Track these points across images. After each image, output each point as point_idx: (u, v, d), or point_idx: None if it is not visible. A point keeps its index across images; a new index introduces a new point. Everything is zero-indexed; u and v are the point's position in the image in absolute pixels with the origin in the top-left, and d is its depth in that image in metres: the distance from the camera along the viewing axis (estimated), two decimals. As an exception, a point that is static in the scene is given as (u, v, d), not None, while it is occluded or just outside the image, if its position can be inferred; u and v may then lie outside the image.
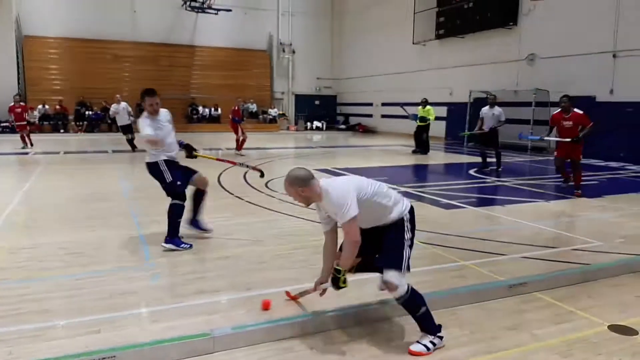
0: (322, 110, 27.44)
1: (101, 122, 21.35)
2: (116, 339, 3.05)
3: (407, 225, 3.11)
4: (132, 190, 8.23)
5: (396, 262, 2.98)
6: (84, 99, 21.67)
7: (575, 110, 8.07)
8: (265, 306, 3.49)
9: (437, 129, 18.47)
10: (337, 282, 3.06)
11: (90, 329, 3.21)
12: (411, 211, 3.19)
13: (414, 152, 15.12)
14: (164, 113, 5.26)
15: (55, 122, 20.75)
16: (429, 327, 3.05)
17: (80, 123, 21.13)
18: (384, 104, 24.22)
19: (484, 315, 3.57)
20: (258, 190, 8.20)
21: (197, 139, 17.49)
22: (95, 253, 4.79)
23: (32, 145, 14.40)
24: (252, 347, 3.06)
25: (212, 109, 24.41)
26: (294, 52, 26.85)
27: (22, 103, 14.54)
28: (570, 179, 8.51)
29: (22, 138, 14.36)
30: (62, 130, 20.58)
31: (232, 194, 7.99)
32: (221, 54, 25.44)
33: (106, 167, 11.35)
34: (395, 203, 3.12)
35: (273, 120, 25.52)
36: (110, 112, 14.71)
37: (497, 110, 11.18)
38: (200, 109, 24.30)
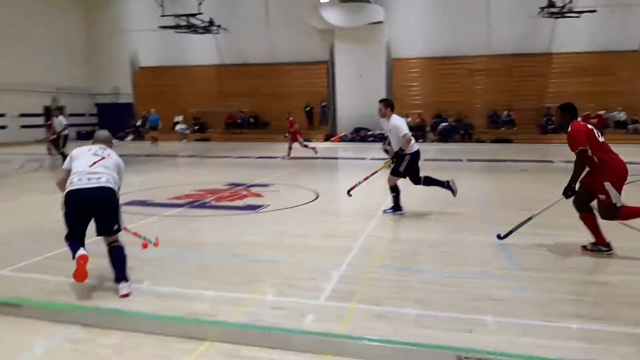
0: None
1: (454, 132, 22.50)
2: (488, 342, 3.04)
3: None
4: (488, 198, 8.27)
5: None
6: (440, 111, 23.29)
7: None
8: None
9: None
10: None
11: (462, 327, 3.30)
12: (70, 194, 3.90)
13: None
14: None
15: (415, 133, 22.96)
16: None
17: (435, 133, 22.79)
18: None
19: None
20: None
21: (552, 150, 16.43)
22: (460, 254, 4.98)
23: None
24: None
25: (569, 120, 22.44)
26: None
27: (290, 118, 16.19)
28: None
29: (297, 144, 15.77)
30: (420, 140, 22.65)
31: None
32: (581, 59, 23.08)
33: (460, 174, 11.78)
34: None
35: (647, 130, 21.52)
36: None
37: None
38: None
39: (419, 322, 3.39)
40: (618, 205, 4.69)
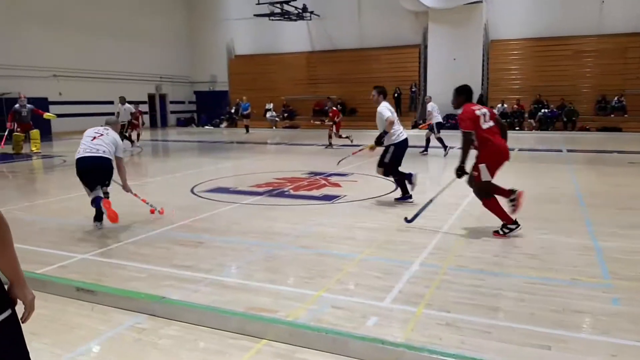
0: None
1: (556, 120, 20.82)
2: (569, 363, 2.71)
3: None
4: (588, 195, 7.50)
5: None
6: (541, 97, 21.67)
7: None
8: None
9: None
10: None
11: (540, 342, 2.97)
12: (78, 160, 5.49)
13: None
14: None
15: (511, 120, 21.64)
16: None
17: (534, 121, 21.24)
18: None
19: None
20: None
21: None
22: (547, 258, 4.51)
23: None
24: None
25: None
26: None
27: (334, 108, 15.92)
28: None
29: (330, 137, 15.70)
30: (517, 128, 21.29)
31: None
32: None
33: (558, 167, 10.88)
34: None
35: None
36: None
37: None
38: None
39: (492, 334, 3.09)
40: (486, 181, 5.11)
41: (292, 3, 23.88)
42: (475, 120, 5.11)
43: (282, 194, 7.75)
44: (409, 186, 6.92)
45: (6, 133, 14.15)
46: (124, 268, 4.34)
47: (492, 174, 5.12)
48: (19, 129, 13.96)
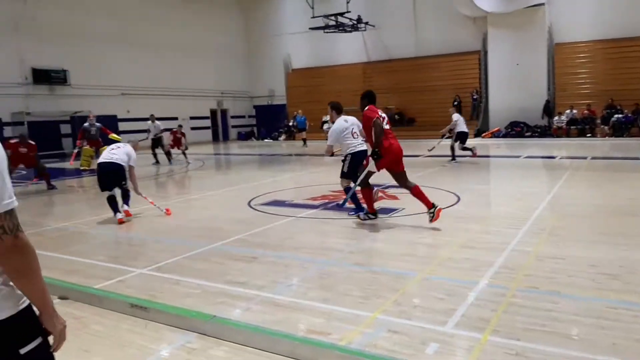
0: None
1: (632, 125, 19.42)
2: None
3: None
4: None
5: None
6: (614, 101, 20.31)
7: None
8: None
9: None
10: None
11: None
12: (98, 165, 7.31)
13: None
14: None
15: (582, 127, 20.43)
16: None
17: (608, 127, 19.92)
18: None
19: None
20: None
21: None
22: (631, 279, 4.06)
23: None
24: None
25: None
26: None
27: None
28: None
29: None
30: (589, 135, 20.06)
31: None
32: None
33: (636, 176, 10.05)
34: None
35: None
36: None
37: None
38: None
39: (564, 366, 2.77)
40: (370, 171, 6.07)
41: (346, 15, 23.87)
42: (378, 114, 5.92)
43: (337, 207, 7.60)
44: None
45: (76, 150, 14.88)
46: (179, 283, 4.32)
47: (379, 168, 5.97)
48: (88, 145, 14.65)
